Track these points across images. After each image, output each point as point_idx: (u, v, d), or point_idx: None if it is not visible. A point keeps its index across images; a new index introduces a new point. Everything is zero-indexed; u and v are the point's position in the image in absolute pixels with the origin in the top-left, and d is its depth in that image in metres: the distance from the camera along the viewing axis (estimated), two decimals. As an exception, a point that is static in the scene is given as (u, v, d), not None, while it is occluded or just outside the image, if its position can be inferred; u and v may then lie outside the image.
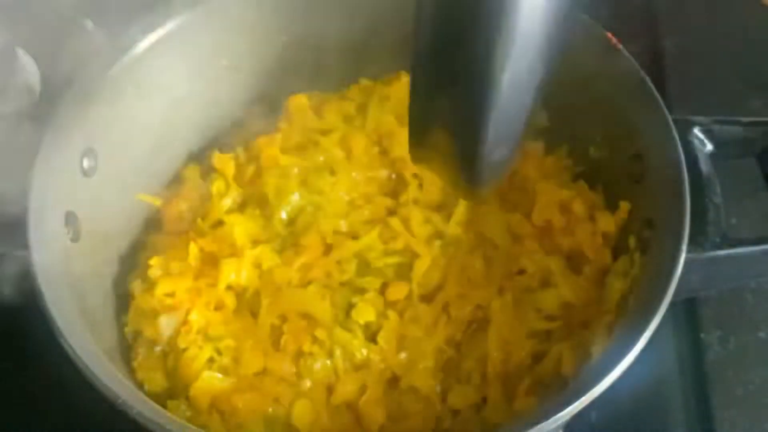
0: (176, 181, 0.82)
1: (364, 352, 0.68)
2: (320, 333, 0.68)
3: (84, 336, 0.59)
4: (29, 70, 1.00)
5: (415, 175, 0.78)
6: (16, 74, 0.95)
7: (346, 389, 0.67)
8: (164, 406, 0.64)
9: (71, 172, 0.66)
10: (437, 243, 0.74)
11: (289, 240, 0.74)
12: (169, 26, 0.74)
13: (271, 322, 0.70)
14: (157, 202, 0.80)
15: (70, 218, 0.65)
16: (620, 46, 0.70)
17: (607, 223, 0.71)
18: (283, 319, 0.70)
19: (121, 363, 0.68)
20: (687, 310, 0.84)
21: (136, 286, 0.72)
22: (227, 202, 0.76)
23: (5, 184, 0.62)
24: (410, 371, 0.68)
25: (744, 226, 0.87)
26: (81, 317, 0.61)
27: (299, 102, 0.81)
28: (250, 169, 0.78)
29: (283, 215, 0.75)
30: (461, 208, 0.75)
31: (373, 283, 0.72)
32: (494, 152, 0.48)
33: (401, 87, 0.80)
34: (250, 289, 0.71)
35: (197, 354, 0.66)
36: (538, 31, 0.44)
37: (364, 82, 0.82)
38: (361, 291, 0.71)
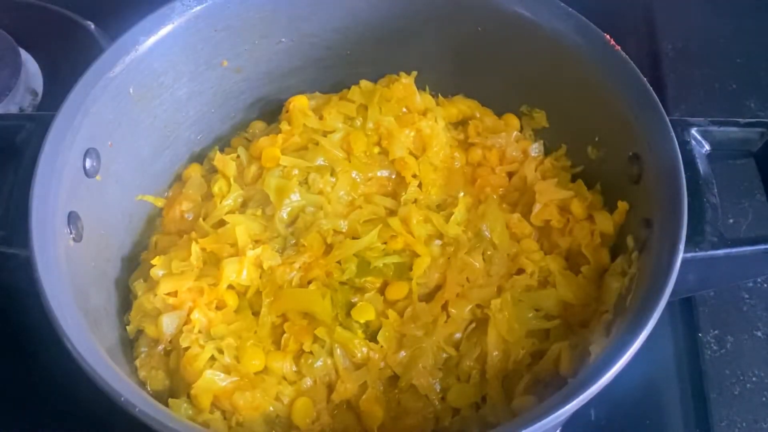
0: (178, 181, 0.83)
1: (364, 351, 0.68)
2: (321, 332, 0.68)
3: (86, 335, 0.60)
4: (32, 70, 1.00)
5: (415, 176, 0.78)
6: (19, 74, 0.95)
7: (347, 388, 0.67)
8: (166, 405, 0.64)
9: (73, 172, 0.67)
10: (437, 243, 0.74)
11: (290, 240, 0.75)
12: (170, 27, 0.74)
13: (272, 321, 0.70)
14: (159, 203, 0.80)
15: (73, 218, 0.65)
16: (618, 48, 0.71)
17: (606, 223, 0.72)
18: (284, 318, 0.70)
19: (123, 362, 0.68)
20: (684, 310, 0.85)
21: (139, 286, 0.72)
22: (228, 202, 0.76)
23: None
24: (410, 370, 0.68)
25: (741, 226, 0.88)
26: (83, 317, 0.62)
27: (300, 103, 0.81)
28: (252, 170, 0.78)
29: (284, 215, 0.75)
30: (461, 208, 0.76)
31: (373, 282, 0.72)
32: None
33: (401, 88, 0.81)
34: (252, 289, 0.71)
35: (199, 353, 0.67)
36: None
37: (365, 83, 0.82)
38: (361, 290, 0.72)
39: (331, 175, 0.77)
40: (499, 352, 0.68)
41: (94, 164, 0.69)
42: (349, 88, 0.82)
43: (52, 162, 0.64)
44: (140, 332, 0.71)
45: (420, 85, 0.82)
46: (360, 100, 0.81)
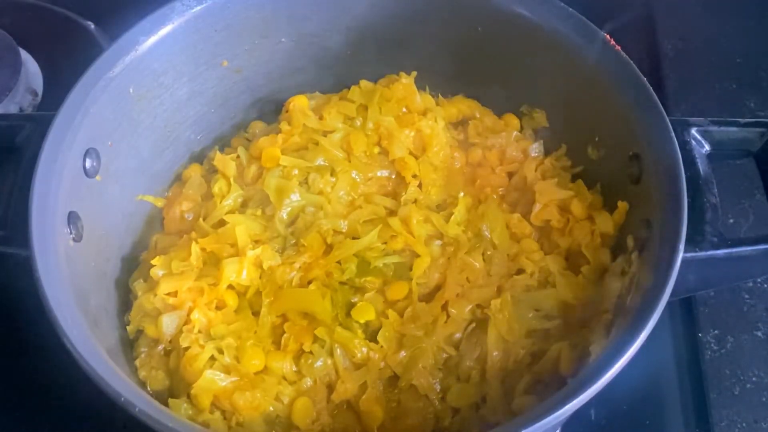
0: (178, 181, 0.83)
1: (364, 351, 0.68)
2: (321, 332, 0.68)
3: (86, 335, 0.60)
4: (32, 70, 1.00)
5: (415, 176, 0.78)
6: (19, 74, 0.95)
7: (347, 388, 0.67)
8: (166, 405, 0.64)
9: (73, 172, 0.67)
10: (437, 243, 0.74)
11: (290, 240, 0.75)
12: (170, 27, 0.74)
13: (272, 321, 0.70)
14: (159, 203, 0.80)
15: (73, 218, 0.65)
16: (618, 48, 0.71)
17: (606, 223, 0.72)
18: (284, 318, 0.70)
19: (123, 362, 0.68)
20: (684, 310, 0.85)
21: (139, 286, 0.72)
22: (228, 202, 0.76)
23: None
24: (410, 370, 0.68)
25: (741, 226, 0.88)
26: (83, 317, 0.62)
27: (300, 103, 0.81)
28: (252, 170, 0.78)
29: (284, 215, 0.75)
30: (461, 208, 0.76)
31: (373, 282, 0.72)
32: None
33: (401, 88, 0.81)
34: (252, 289, 0.71)
35: (199, 353, 0.67)
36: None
37: (365, 83, 0.82)
38: (361, 290, 0.72)
39: (331, 175, 0.77)
40: (499, 352, 0.68)
41: (94, 164, 0.69)
42: (349, 88, 0.82)
43: (52, 162, 0.64)
44: (140, 332, 0.71)
45: (420, 85, 0.82)
46: (360, 100, 0.81)
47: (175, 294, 0.70)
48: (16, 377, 0.79)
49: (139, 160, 0.77)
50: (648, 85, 0.68)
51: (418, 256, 0.73)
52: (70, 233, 0.65)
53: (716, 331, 0.83)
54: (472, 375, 0.68)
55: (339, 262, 0.73)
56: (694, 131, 0.68)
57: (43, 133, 0.65)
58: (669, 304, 0.57)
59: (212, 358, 0.67)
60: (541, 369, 0.67)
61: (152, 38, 0.73)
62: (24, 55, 0.99)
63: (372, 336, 0.70)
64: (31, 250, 0.60)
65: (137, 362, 0.70)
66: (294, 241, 0.74)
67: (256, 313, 0.71)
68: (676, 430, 0.78)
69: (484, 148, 0.81)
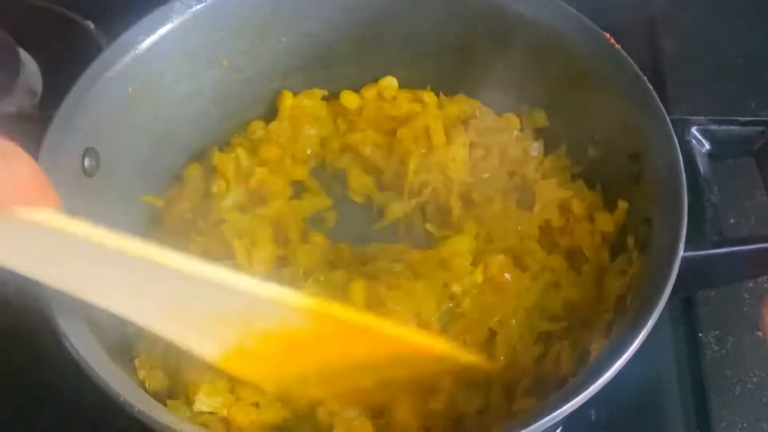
0: (177, 181, 0.82)
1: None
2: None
3: (86, 334, 0.59)
4: (31, 70, 1.00)
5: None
6: (18, 74, 0.95)
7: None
8: (165, 405, 0.64)
9: (72, 172, 0.66)
10: None
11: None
12: (169, 26, 0.74)
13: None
14: (159, 203, 0.80)
15: (72, 218, 0.65)
16: (619, 48, 0.70)
17: (606, 222, 0.72)
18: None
19: (122, 361, 0.68)
20: (685, 310, 0.84)
21: (138, 285, 0.72)
22: (228, 202, 0.76)
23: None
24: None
25: (741, 225, 0.88)
26: (83, 316, 0.61)
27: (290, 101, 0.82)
28: (252, 170, 0.78)
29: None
30: None
31: None
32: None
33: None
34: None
35: (199, 353, 0.66)
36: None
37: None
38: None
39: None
40: (506, 358, 0.67)
41: (93, 164, 0.69)
42: (349, 87, 0.82)
43: (51, 162, 0.64)
44: (140, 332, 0.71)
45: (421, 85, 0.82)
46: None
47: (174, 293, 0.70)
48: (14, 377, 0.79)
49: (139, 160, 0.77)
50: (648, 84, 0.68)
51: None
52: (70, 233, 0.65)
53: (717, 332, 0.83)
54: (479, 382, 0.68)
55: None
56: (694, 130, 0.68)
57: (42, 133, 0.65)
58: (669, 303, 0.57)
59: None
60: (541, 369, 0.67)
61: (151, 38, 0.73)
62: (23, 55, 0.99)
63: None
64: (30, 249, 0.59)
65: (136, 362, 0.69)
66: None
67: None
68: (676, 430, 0.78)
69: (484, 147, 0.81)
